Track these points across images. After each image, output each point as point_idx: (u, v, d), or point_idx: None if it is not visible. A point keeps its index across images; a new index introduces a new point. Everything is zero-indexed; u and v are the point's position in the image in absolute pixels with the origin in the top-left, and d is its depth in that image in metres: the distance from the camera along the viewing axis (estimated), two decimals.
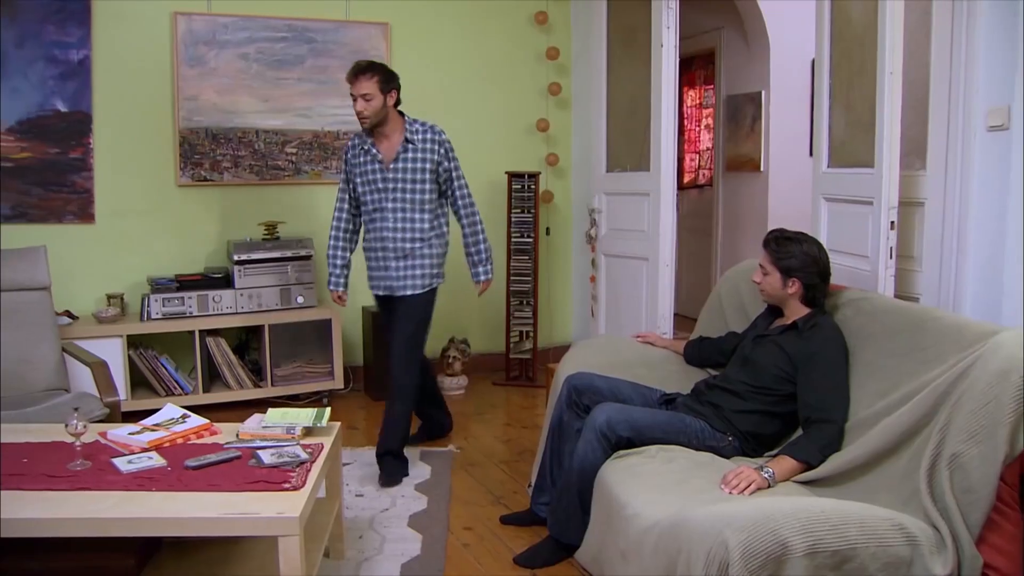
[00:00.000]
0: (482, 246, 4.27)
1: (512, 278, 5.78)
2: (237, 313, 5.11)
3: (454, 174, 4.15)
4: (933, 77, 3.58)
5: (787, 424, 3.17)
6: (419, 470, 4.18)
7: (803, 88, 6.45)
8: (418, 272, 4.09)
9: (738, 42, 6.79)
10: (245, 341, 5.38)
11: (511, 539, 3.46)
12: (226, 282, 5.14)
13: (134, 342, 4.96)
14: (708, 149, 7.73)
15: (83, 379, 4.17)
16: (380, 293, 4.20)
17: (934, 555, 2.28)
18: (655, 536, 2.42)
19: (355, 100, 3.95)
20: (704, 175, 7.83)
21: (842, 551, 2.18)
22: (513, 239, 5.74)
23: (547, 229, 6.04)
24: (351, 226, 4.26)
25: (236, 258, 5.07)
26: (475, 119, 5.94)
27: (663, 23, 4.77)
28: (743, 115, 6.79)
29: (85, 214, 5.09)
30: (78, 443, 2.76)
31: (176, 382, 5.03)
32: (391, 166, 4.01)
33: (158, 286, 5.02)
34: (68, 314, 4.89)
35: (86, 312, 5.07)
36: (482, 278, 4.31)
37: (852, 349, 3.10)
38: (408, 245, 4.05)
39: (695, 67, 7.73)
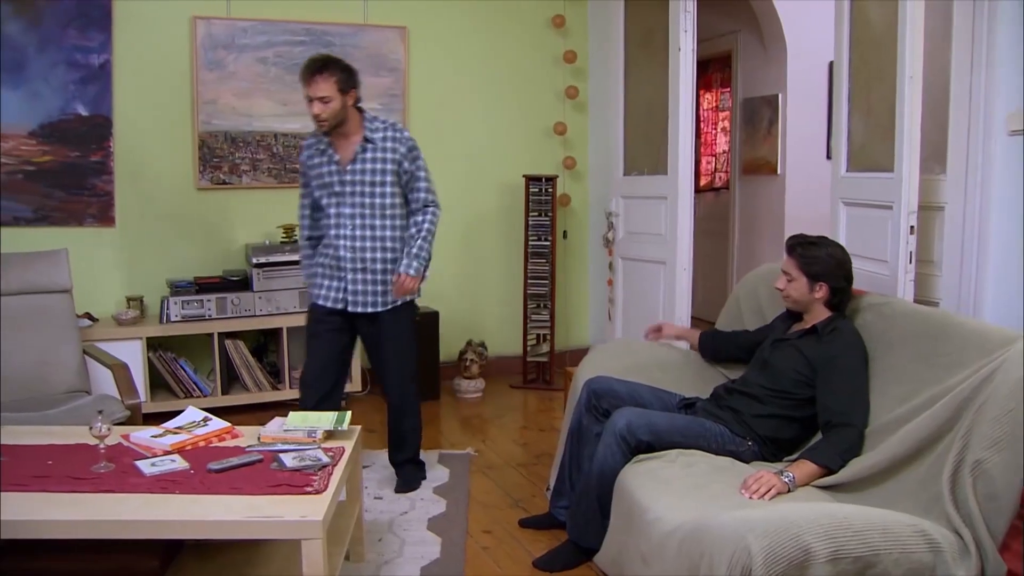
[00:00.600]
0: (420, 242, 3.76)
1: (529, 281, 5.79)
2: (255, 316, 5.14)
3: (417, 174, 3.79)
4: (953, 81, 3.58)
5: (806, 428, 3.17)
6: (437, 473, 4.20)
7: (820, 91, 6.44)
8: (380, 288, 3.77)
9: (755, 45, 6.78)
10: (263, 343, 5.41)
11: (530, 542, 3.46)
12: (244, 285, 5.17)
13: (153, 344, 5.00)
14: (724, 152, 7.73)
15: (103, 381, 4.21)
16: (328, 305, 3.79)
17: (957, 562, 2.28)
18: (677, 540, 2.42)
19: (310, 102, 3.58)
20: (720, 178, 7.82)
21: (865, 557, 2.18)
22: (530, 242, 5.75)
23: (564, 232, 6.05)
24: (315, 233, 3.94)
25: (254, 261, 5.09)
26: (492, 122, 5.96)
27: (680, 27, 4.77)
28: (760, 118, 6.78)
29: (105, 217, 5.13)
30: (102, 445, 2.78)
31: (195, 384, 5.06)
32: (348, 167, 3.70)
33: (177, 289, 5.05)
34: (88, 316, 4.93)
35: (106, 314, 5.10)
36: (402, 268, 3.73)
37: (872, 354, 3.09)
38: (368, 255, 3.73)
39: (712, 70, 7.73)
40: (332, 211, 3.76)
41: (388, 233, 3.76)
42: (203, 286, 5.09)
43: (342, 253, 3.75)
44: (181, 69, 5.21)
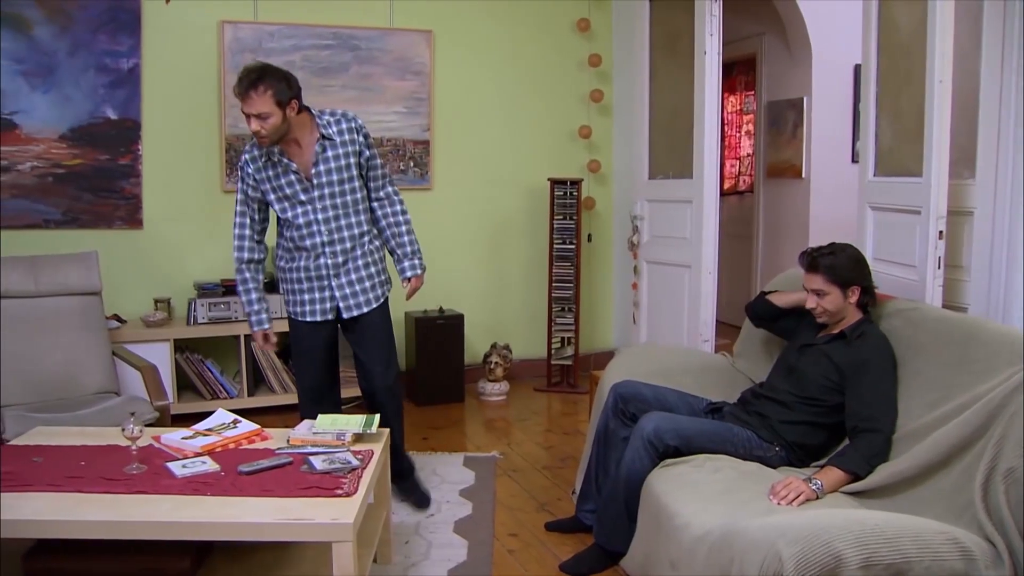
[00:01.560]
0: (409, 237, 3.71)
1: (554, 284, 5.80)
2: (282, 318, 5.15)
3: (375, 160, 3.63)
4: (983, 85, 3.56)
5: (834, 435, 3.16)
6: (463, 475, 4.21)
7: (845, 94, 6.43)
8: (367, 284, 3.62)
9: (780, 48, 6.76)
10: (289, 346, 5.42)
11: (556, 546, 3.47)
12: (271, 287, 5.19)
13: (180, 346, 5.04)
14: (748, 155, 7.70)
15: (132, 382, 4.25)
16: (318, 319, 3.62)
17: (990, 570, 2.27)
18: (707, 546, 2.42)
19: (248, 119, 3.32)
20: (744, 181, 7.80)
21: (896, 564, 2.17)
22: (555, 245, 5.76)
23: (589, 236, 6.05)
24: (255, 256, 3.67)
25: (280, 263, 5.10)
26: (518, 126, 5.98)
27: (707, 30, 4.77)
28: (784, 121, 6.76)
29: (133, 219, 5.18)
30: (134, 447, 2.81)
31: (221, 386, 5.10)
32: (313, 171, 3.47)
33: (204, 291, 5.09)
34: (116, 318, 4.97)
35: (134, 316, 5.15)
36: (410, 273, 3.71)
37: (901, 359, 3.08)
38: (347, 256, 3.57)
39: (736, 73, 7.71)
40: (300, 220, 3.51)
41: (365, 228, 3.61)
42: (229, 288, 5.12)
43: (323, 260, 3.55)
44: (209, 73, 5.26)
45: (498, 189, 5.98)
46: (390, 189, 3.71)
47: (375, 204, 3.69)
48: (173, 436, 3.06)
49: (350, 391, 5.02)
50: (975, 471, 2.46)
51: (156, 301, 5.16)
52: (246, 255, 3.66)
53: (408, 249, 3.71)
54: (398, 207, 3.72)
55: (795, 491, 2.73)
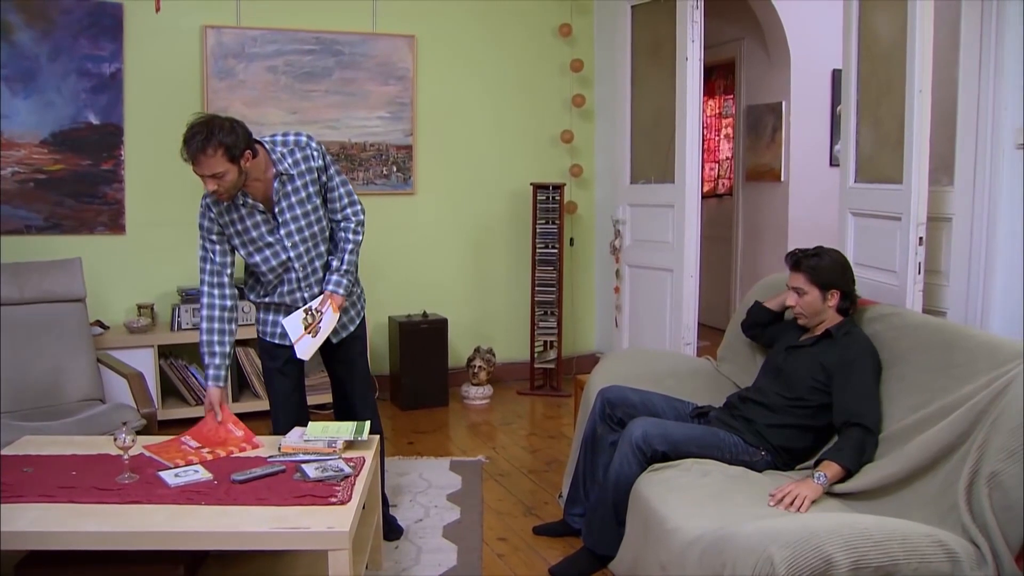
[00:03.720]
0: (349, 257, 3.40)
1: (536, 288, 5.83)
2: (250, 324, 5.15)
3: (333, 181, 3.35)
4: (961, 94, 3.62)
5: (819, 439, 3.21)
6: (450, 479, 4.23)
7: (824, 99, 6.51)
8: (343, 310, 3.43)
9: (759, 53, 6.83)
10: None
11: (545, 549, 3.50)
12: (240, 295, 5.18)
13: (164, 352, 5.03)
14: (728, 159, 7.77)
15: (116, 389, 4.23)
16: (288, 342, 3.40)
17: (975, 571, 2.32)
18: (698, 550, 2.46)
19: (203, 179, 3.07)
20: (724, 184, 7.87)
21: (885, 567, 2.22)
22: (538, 250, 5.79)
23: (571, 240, 6.09)
24: (228, 305, 3.35)
25: None
26: (500, 130, 6.01)
27: (688, 36, 4.82)
28: (763, 125, 6.83)
29: (116, 225, 5.16)
30: (126, 456, 2.81)
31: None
32: (276, 209, 3.22)
33: (188, 296, 5.08)
34: (99, 324, 4.95)
35: (117, 322, 5.13)
36: (330, 288, 3.36)
37: (884, 363, 3.14)
38: (320, 286, 3.37)
39: (715, 77, 7.78)
40: (273, 263, 3.30)
41: (326, 255, 3.42)
42: None
43: (298, 295, 3.36)
44: (191, 78, 5.25)
45: (481, 193, 6.00)
46: (348, 212, 3.42)
47: (334, 225, 3.44)
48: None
49: (319, 398, 5.04)
50: (959, 475, 2.51)
51: (139, 307, 5.14)
52: (216, 306, 3.34)
53: (340, 266, 3.39)
54: (352, 225, 3.42)
55: (800, 496, 2.77)
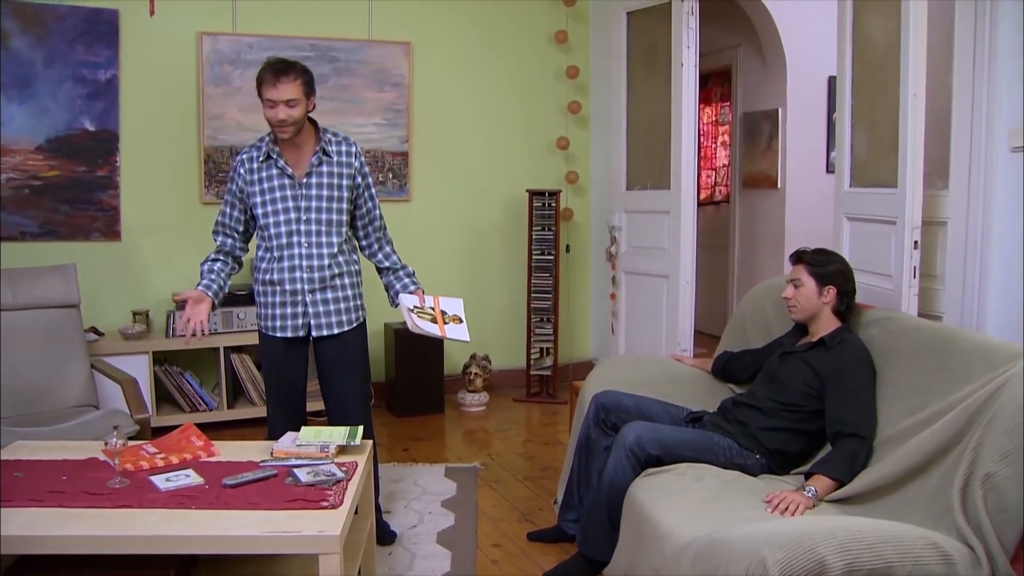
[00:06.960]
0: (409, 267, 3.70)
1: (533, 295, 5.82)
2: (252, 330, 5.15)
3: (371, 190, 3.56)
4: (956, 98, 3.63)
5: (814, 442, 3.20)
6: (445, 486, 4.22)
7: (820, 105, 6.51)
8: (343, 306, 3.50)
9: (755, 60, 6.83)
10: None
11: (539, 555, 3.49)
12: (250, 299, 5.16)
13: (159, 358, 5.02)
14: (724, 166, 7.78)
15: (111, 395, 4.22)
16: (288, 335, 3.48)
17: (969, 573, 2.31)
18: (692, 554, 2.45)
19: (274, 106, 3.23)
20: (720, 191, 7.87)
21: (879, 569, 2.21)
22: (534, 256, 5.78)
23: (567, 246, 6.08)
24: (233, 248, 3.61)
25: None
26: (496, 137, 6.01)
27: (683, 43, 4.83)
28: (760, 132, 6.83)
29: (111, 231, 5.15)
30: (116, 461, 2.80)
31: (200, 398, 5.08)
32: (304, 181, 3.37)
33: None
34: (94, 330, 4.94)
35: (112, 328, 5.12)
36: (411, 288, 3.63)
37: (878, 367, 3.13)
38: (324, 273, 3.44)
39: (711, 84, 7.79)
40: (282, 228, 3.40)
41: (335, 249, 3.46)
42: None
43: (298, 274, 3.42)
44: (187, 84, 5.25)
45: (477, 200, 6.00)
46: (383, 233, 3.64)
47: (370, 236, 3.61)
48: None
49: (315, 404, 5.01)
50: (954, 476, 2.50)
51: (134, 313, 5.13)
52: (224, 249, 3.60)
53: (405, 265, 3.68)
54: (391, 243, 3.68)
55: (794, 504, 2.76)
